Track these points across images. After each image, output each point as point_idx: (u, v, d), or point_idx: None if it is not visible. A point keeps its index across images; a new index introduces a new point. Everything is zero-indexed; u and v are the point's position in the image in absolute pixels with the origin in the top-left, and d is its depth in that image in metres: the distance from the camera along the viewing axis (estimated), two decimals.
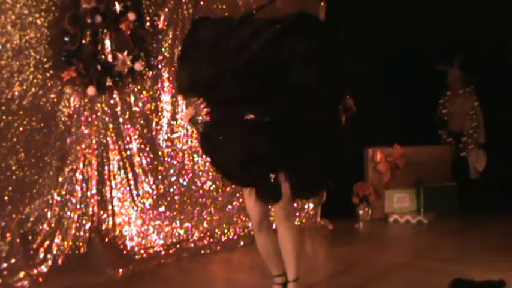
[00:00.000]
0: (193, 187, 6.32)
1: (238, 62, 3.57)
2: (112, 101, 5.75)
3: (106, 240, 5.60)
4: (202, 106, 3.80)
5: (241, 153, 3.68)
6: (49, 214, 5.26)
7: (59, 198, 5.34)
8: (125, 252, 5.68)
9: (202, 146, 3.98)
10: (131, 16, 5.64)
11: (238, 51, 3.57)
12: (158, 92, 6.06)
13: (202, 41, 3.71)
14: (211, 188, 6.44)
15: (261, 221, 4.19)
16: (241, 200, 6.59)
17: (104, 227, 5.64)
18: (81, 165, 5.51)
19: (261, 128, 3.65)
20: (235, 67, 3.57)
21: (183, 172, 6.25)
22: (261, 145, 3.65)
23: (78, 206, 5.45)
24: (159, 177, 6.06)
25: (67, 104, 5.44)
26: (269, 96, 3.60)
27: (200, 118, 3.83)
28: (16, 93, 5.08)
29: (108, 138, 5.72)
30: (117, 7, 5.59)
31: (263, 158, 3.67)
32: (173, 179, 6.18)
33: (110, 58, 5.63)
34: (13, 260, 4.93)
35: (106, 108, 5.71)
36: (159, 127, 6.10)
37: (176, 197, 6.17)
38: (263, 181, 3.84)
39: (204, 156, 6.32)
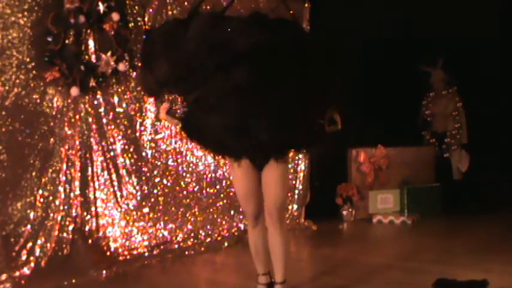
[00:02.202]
0: (177, 188, 6.31)
1: (202, 48, 3.65)
2: (96, 102, 5.72)
3: (89, 241, 5.57)
4: (175, 97, 3.93)
5: (230, 120, 3.72)
6: (32, 215, 5.22)
7: (42, 200, 5.30)
8: (108, 253, 5.66)
9: (186, 131, 4.00)
10: (115, 16, 5.61)
11: (198, 40, 3.68)
12: (142, 93, 6.02)
13: (157, 45, 3.81)
14: (196, 189, 6.44)
15: (257, 217, 4.25)
16: (225, 201, 6.59)
17: (87, 228, 5.61)
18: (64, 166, 5.47)
19: (243, 93, 3.67)
20: (200, 52, 3.65)
21: (167, 173, 6.24)
22: (247, 109, 3.69)
23: (61, 208, 5.41)
24: (143, 178, 6.04)
25: (50, 105, 5.40)
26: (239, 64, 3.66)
27: (176, 107, 3.94)
28: None
29: (92, 139, 5.69)
30: (101, 7, 5.56)
31: (252, 121, 3.71)
32: (157, 180, 6.16)
33: (93, 58, 5.61)
34: None
35: (89, 109, 5.67)
36: (142, 128, 6.08)
37: (160, 198, 6.15)
38: (256, 147, 3.86)
39: (187, 157, 6.35)
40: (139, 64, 4.63)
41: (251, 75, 3.65)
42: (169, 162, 6.26)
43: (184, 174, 6.37)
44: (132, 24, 5.92)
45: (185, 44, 3.70)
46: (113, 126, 5.82)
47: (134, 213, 5.93)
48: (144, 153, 6.08)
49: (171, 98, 3.98)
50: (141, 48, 4.65)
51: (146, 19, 6.04)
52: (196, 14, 3.87)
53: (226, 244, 6.41)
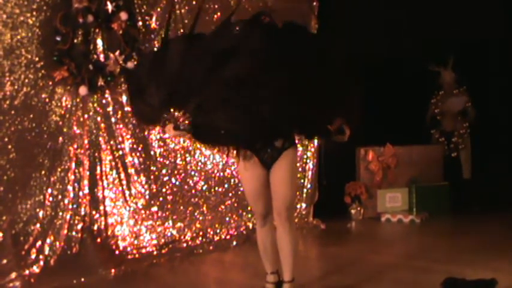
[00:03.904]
0: (186, 187, 6.32)
1: (187, 60, 3.86)
2: (104, 101, 5.73)
3: (98, 240, 5.59)
4: (176, 115, 3.95)
5: (237, 111, 3.78)
6: (41, 214, 5.24)
7: (51, 199, 5.32)
8: (117, 252, 5.67)
9: (200, 139, 4.09)
10: (123, 15, 5.62)
11: (181, 55, 3.91)
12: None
13: (142, 77, 4.02)
14: (204, 188, 6.44)
15: (266, 216, 4.27)
16: (233, 200, 6.59)
17: (96, 227, 5.63)
18: (73, 165, 5.49)
19: (240, 85, 3.77)
20: (186, 65, 3.85)
21: (176, 172, 6.25)
22: (247, 97, 3.78)
23: (70, 206, 5.43)
24: (152, 177, 6.05)
25: (59, 104, 5.42)
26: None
27: (180, 120, 3.96)
28: (7, 92, 5.06)
29: (100, 138, 5.71)
30: (109, 6, 5.57)
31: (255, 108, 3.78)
32: (165, 179, 6.17)
33: (102, 58, 5.62)
34: (4, 261, 4.91)
35: (98, 108, 5.69)
36: (151, 127, 6.08)
37: (168, 197, 6.16)
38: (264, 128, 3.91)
39: (196, 156, 6.36)
40: (129, 101, 4.82)
41: (241, 69, 3.77)
42: (178, 161, 6.27)
43: (192, 173, 6.38)
44: (141, 23, 5.93)
45: (170, 64, 3.87)
46: (121, 125, 5.84)
47: (143, 212, 5.94)
48: (152, 152, 6.09)
49: (171, 115, 3.99)
50: (126, 86, 4.80)
51: (154, 18, 6.05)
52: (168, 40, 4.13)
53: (234, 243, 6.42)
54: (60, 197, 5.39)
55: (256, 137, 4.02)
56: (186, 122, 3.93)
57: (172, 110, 3.92)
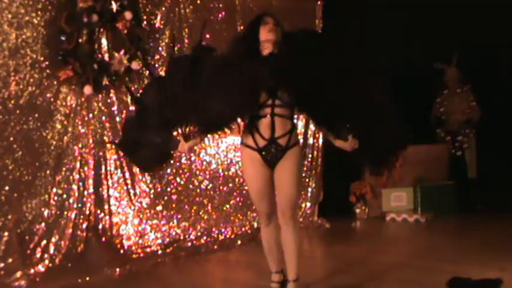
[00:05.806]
0: (191, 186, 6.32)
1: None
2: (109, 100, 5.74)
3: (103, 239, 5.60)
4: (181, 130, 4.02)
5: (230, 84, 3.87)
6: (46, 213, 5.26)
7: (56, 198, 5.33)
8: (122, 251, 5.68)
9: (211, 131, 4.13)
10: (128, 15, 5.62)
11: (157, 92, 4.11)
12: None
13: (132, 129, 4.19)
14: (209, 187, 6.44)
15: (270, 215, 4.26)
16: (238, 199, 6.59)
17: (101, 226, 5.64)
18: (78, 164, 5.50)
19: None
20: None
21: (180, 171, 6.25)
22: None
23: (75, 206, 5.44)
24: (156, 176, 6.04)
25: (64, 103, 5.43)
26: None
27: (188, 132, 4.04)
28: (13, 92, 5.07)
29: (105, 138, 5.71)
30: (114, 6, 5.58)
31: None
32: (170, 178, 6.17)
33: (106, 57, 5.63)
34: (10, 260, 4.92)
35: (103, 108, 5.70)
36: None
37: (173, 196, 6.16)
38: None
39: (200, 155, 6.36)
40: (134, 162, 4.80)
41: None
42: (183, 160, 6.28)
43: (197, 172, 6.38)
44: (145, 22, 5.93)
45: (150, 110, 4.00)
46: None
47: (147, 211, 5.95)
48: None
49: (177, 134, 4.03)
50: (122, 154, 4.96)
51: (159, 18, 6.06)
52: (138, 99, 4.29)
53: (239, 242, 6.42)
54: (65, 196, 5.41)
55: (255, 89, 3.98)
56: (192, 128, 3.96)
57: (176, 131, 3.99)
